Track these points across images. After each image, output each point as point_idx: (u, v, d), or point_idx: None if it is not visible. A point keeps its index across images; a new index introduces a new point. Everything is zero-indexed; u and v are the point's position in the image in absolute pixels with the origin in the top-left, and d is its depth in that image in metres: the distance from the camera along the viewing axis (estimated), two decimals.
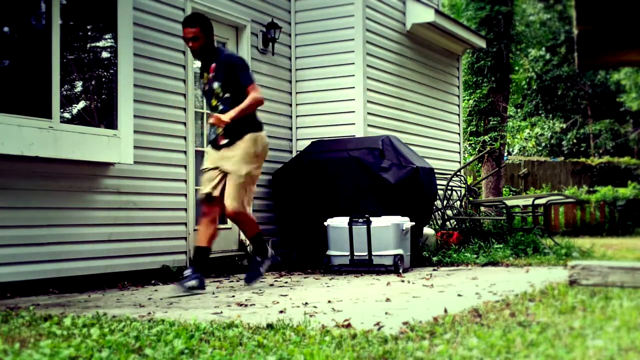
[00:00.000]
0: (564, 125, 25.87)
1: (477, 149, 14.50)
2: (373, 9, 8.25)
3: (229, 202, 5.35)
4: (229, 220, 7.40)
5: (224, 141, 5.40)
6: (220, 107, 5.41)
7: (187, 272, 5.27)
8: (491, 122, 14.32)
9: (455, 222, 8.96)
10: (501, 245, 7.90)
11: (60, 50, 5.38)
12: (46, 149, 5.23)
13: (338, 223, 6.73)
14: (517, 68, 16.48)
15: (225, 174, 5.40)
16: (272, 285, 5.73)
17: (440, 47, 9.87)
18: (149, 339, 3.07)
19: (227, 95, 5.41)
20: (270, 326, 3.37)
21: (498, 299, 4.25)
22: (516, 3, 15.18)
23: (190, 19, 5.49)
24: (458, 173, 9.36)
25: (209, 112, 5.49)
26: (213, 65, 5.44)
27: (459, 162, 10.41)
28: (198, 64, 7.28)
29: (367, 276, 6.28)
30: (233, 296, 4.95)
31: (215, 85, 5.42)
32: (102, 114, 5.84)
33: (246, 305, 4.39)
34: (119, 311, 4.15)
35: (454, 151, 10.32)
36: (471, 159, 14.62)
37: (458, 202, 9.37)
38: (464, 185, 9.59)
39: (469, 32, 10.17)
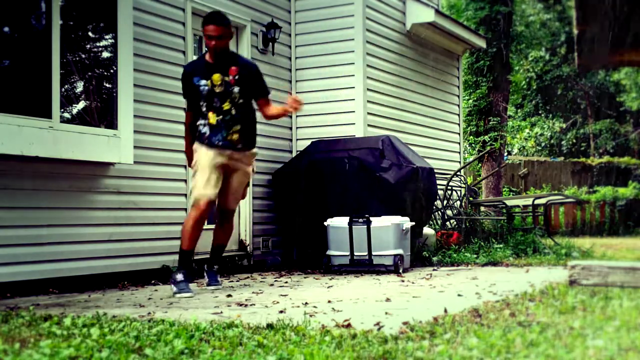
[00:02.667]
0: (564, 125, 25.86)
1: (477, 149, 14.49)
2: (373, 8, 8.25)
3: (237, 203, 5.62)
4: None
5: (240, 145, 5.34)
6: (234, 112, 5.29)
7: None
8: (491, 122, 14.31)
9: (455, 222, 8.96)
10: (501, 245, 7.90)
11: (60, 50, 5.38)
12: (46, 148, 5.23)
13: (338, 223, 6.73)
14: (517, 68, 16.46)
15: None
16: (272, 285, 5.73)
17: (440, 47, 9.87)
18: (149, 339, 3.07)
19: (241, 101, 5.32)
20: (270, 326, 3.37)
21: (498, 299, 4.26)
22: (516, 3, 15.17)
23: (219, 16, 5.27)
24: (458, 173, 9.36)
25: (209, 112, 5.27)
26: (234, 68, 5.29)
27: (459, 162, 10.41)
28: None
29: (367, 276, 6.28)
30: (233, 296, 4.95)
31: (236, 90, 5.28)
32: (102, 114, 5.84)
33: (246, 305, 4.39)
34: (119, 311, 4.16)
35: (454, 151, 10.32)
36: (471, 159, 14.61)
37: (458, 202, 9.36)
38: (464, 185, 9.59)
39: (468, 32, 10.17)
